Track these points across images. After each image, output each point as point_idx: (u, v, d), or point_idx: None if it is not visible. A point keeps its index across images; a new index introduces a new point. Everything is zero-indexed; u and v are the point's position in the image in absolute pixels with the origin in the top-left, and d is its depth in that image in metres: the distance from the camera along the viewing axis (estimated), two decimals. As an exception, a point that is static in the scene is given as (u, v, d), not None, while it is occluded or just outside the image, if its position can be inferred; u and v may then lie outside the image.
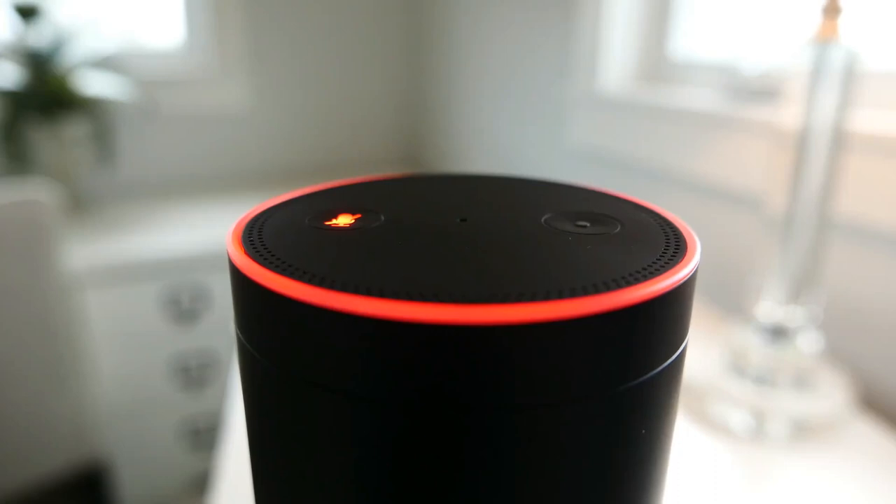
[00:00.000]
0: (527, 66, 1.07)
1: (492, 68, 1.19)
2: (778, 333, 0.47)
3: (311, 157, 1.53)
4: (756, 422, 0.45)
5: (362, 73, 1.52)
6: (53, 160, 1.17)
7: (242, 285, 0.16)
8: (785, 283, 0.47)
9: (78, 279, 0.98)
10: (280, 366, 0.16)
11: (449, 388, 0.14)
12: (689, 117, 0.71)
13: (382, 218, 0.19)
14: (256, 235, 0.18)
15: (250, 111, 1.43)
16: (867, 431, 0.45)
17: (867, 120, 0.53)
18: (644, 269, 0.16)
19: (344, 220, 0.19)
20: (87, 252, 1.02)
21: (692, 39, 0.81)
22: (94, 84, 1.15)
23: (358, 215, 0.20)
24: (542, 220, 0.19)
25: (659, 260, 0.16)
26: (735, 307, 0.68)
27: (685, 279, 0.16)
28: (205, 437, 1.16)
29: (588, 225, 0.19)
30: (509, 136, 1.16)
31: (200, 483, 1.17)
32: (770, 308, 0.48)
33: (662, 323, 0.15)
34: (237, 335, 0.17)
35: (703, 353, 0.52)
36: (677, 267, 0.16)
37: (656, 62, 0.86)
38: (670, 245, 0.18)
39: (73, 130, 1.17)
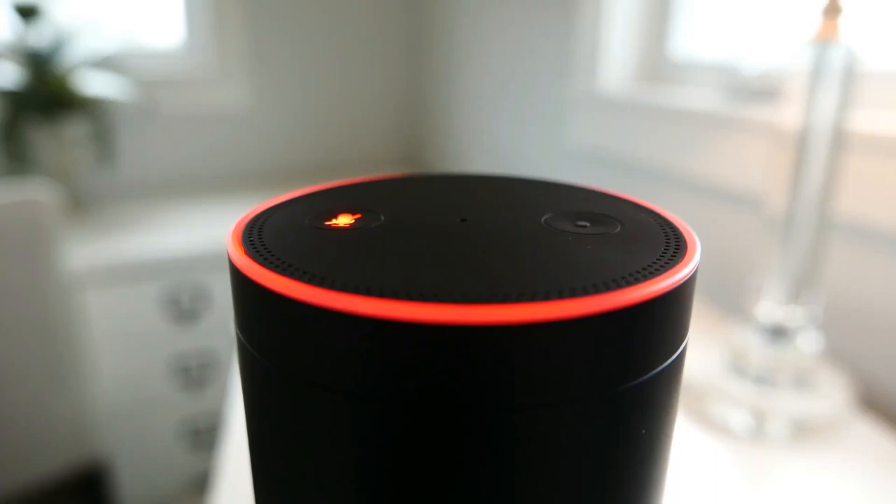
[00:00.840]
0: (527, 66, 1.07)
1: (492, 68, 1.19)
2: (778, 333, 0.47)
3: (311, 157, 1.53)
4: (756, 422, 0.45)
5: (362, 73, 1.52)
6: (53, 160, 1.17)
7: (242, 285, 0.16)
8: (785, 283, 0.47)
9: (78, 279, 0.98)
10: (280, 366, 0.16)
11: (449, 388, 0.14)
12: (689, 117, 0.71)
13: (382, 218, 0.19)
14: (256, 235, 0.18)
15: (250, 111, 1.43)
16: (867, 431, 0.45)
17: (867, 120, 0.53)
18: (644, 269, 0.16)
19: (344, 220, 0.19)
20: (87, 252, 1.02)
21: (692, 39, 0.81)
22: (94, 84, 1.15)
23: (358, 215, 0.20)
24: (542, 220, 0.19)
25: (659, 260, 0.16)
26: (735, 307, 0.68)
27: (685, 279, 0.16)
28: (205, 437, 1.16)
29: (588, 225, 0.19)
30: (509, 136, 1.16)
31: (200, 483, 1.17)
32: (770, 308, 0.48)
33: (662, 323, 0.15)
34: (237, 335, 0.17)
35: (703, 353, 0.52)
36: (677, 267, 0.16)
37: (656, 62, 0.86)
38: (670, 245, 0.18)
39: (73, 130, 1.17)
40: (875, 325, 0.54)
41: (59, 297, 0.92)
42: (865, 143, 0.52)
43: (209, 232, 1.12)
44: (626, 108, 0.82)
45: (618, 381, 0.15)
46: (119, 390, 1.07)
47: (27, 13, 1.11)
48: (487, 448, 0.14)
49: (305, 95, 1.48)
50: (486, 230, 0.18)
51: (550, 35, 0.99)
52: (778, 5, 0.71)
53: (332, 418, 0.15)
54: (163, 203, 1.30)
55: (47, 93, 1.12)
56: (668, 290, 0.15)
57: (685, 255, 0.17)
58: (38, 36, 1.13)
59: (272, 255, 0.16)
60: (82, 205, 1.26)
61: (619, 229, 0.19)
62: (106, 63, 1.25)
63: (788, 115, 0.45)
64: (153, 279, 1.04)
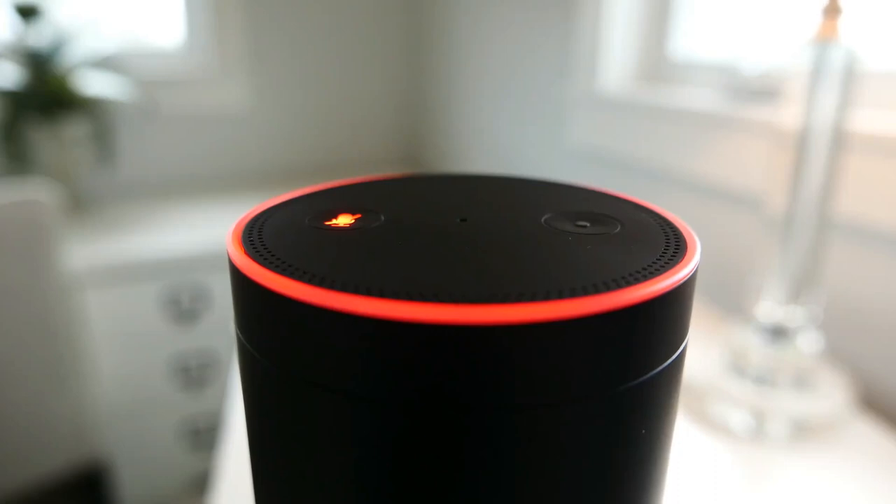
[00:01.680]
0: (527, 66, 1.07)
1: (492, 68, 1.19)
2: (778, 333, 0.47)
3: (311, 157, 1.53)
4: (756, 422, 0.45)
5: (362, 73, 1.52)
6: (53, 160, 1.17)
7: (242, 285, 0.16)
8: (785, 283, 0.47)
9: (78, 279, 0.98)
10: (280, 366, 0.16)
11: (449, 388, 0.14)
12: (689, 117, 0.71)
13: (382, 218, 0.19)
14: (256, 235, 0.18)
15: (250, 111, 1.43)
16: (867, 431, 0.45)
17: (867, 120, 0.53)
18: (644, 269, 0.16)
19: (344, 220, 0.19)
20: (87, 252, 1.02)
21: (692, 39, 0.81)
22: (94, 84, 1.14)
23: (358, 215, 0.20)
24: (542, 220, 0.19)
25: (659, 260, 0.16)
26: (735, 307, 0.68)
27: (685, 279, 0.16)
28: (205, 437, 1.16)
29: (588, 225, 0.19)
30: (509, 136, 1.16)
31: (200, 483, 1.17)
32: (770, 308, 0.48)
33: (662, 323, 0.15)
34: (237, 335, 0.17)
35: (703, 353, 0.52)
36: (677, 267, 0.16)
37: (656, 62, 0.86)
38: (670, 245, 0.18)
39: (73, 130, 1.17)
40: (875, 325, 0.54)
41: (59, 297, 0.92)
42: (865, 143, 0.52)
43: (209, 232, 1.12)
44: (626, 108, 0.82)
45: (618, 381, 0.15)
46: (119, 390, 1.07)
47: (27, 13, 1.11)
48: (487, 448, 0.14)
49: (305, 95, 1.48)
50: (486, 230, 0.18)
51: (550, 35, 0.99)
52: (778, 5, 0.71)
53: (332, 418, 0.15)
54: (163, 203, 1.30)
55: (47, 93, 1.12)
56: (668, 290, 0.15)
57: (685, 255, 0.17)
58: (38, 36, 1.13)
59: (272, 255, 0.16)
60: (82, 205, 1.26)
61: (619, 229, 0.19)
62: (106, 63, 1.25)
63: (788, 115, 0.45)
64: (153, 279, 1.04)
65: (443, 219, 0.19)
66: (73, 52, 1.16)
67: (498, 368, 0.14)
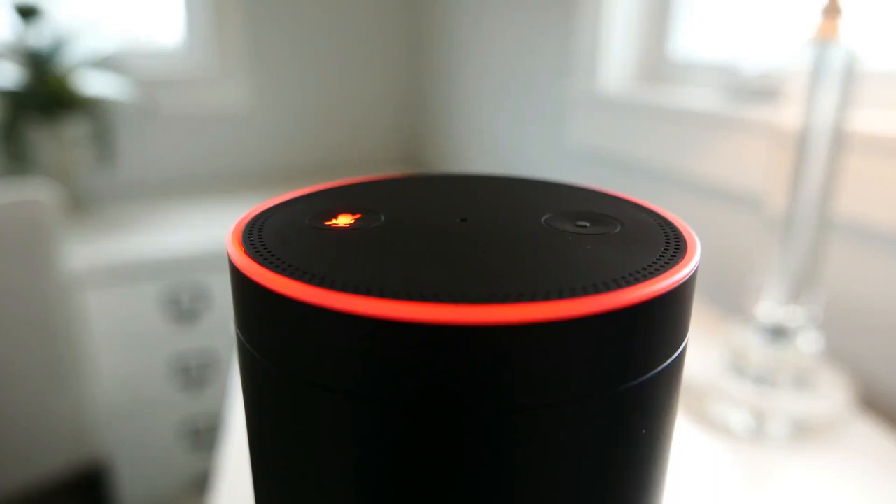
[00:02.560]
0: (527, 66, 1.07)
1: (492, 68, 1.19)
2: (778, 333, 0.47)
3: (311, 157, 1.53)
4: (756, 422, 0.45)
5: (362, 73, 1.52)
6: (53, 160, 1.17)
7: (242, 285, 0.16)
8: (785, 283, 0.47)
9: (78, 279, 0.98)
10: (280, 366, 0.16)
11: (449, 388, 0.14)
12: (689, 117, 0.71)
13: (382, 218, 0.19)
14: (256, 235, 0.18)
15: (250, 111, 1.43)
16: (867, 431, 0.45)
17: (867, 120, 0.53)
18: (644, 269, 0.16)
19: (344, 220, 0.19)
20: (87, 252, 1.02)
21: (692, 39, 0.81)
22: (94, 84, 1.14)
23: (358, 215, 0.20)
24: (542, 220, 0.19)
25: (659, 260, 0.16)
26: (735, 307, 0.68)
27: (685, 279, 0.16)
28: (205, 437, 1.16)
29: (588, 225, 0.19)
30: (509, 136, 1.16)
31: (200, 483, 1.17)
32: (770, 308, 0.48)
33: (662, 323, 0.15)
34: (237, 335, 0.17)
35: (703, 353, 0.52)
36: (677, 267, 0.16)
37: (656, 62, 0.86)
38: (670, 245, 0.18)
39: (73, 130, 1.17)
40: (875, 325, 0.54)
41: (59, 297, 0.92)
42: (865, 143, 0.52)
43: (209, 232, 1.12)
44: (626, 108, 0.82)
45: (618, 381, 0.15)
46: (119, 390, 1.07)
47: (27, 13, 1.11)
48: (487, 448, 0.14)
49: (305, 95, 1.48)
50: (486, 230, 0.18)
51: (550, 35, 0.99)
52: (778, 5, 0.71)
53: (332, 418, 0.15)
54: (163, 203, 1.30)
55: (47, 93, 1.12)
56: (668, 290, 0.15)
57: (685, 255, 0.17)
58: (38, 36, 1.13)
59: (272, 255, 0.16)
60: (82, 205, 1.26)
61: (619, 229, 0.19)
62: (106, 63, 1.25)
63: (788, 115, 0.45)
64: (153, 279, 1.04)
65: (443, 219, 0.19)
66: (73, 52, 1.16)
67: (498, 368, 0.14)
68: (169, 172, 1.40)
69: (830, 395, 0.47)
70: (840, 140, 0.44)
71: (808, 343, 0.47)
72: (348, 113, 1.54)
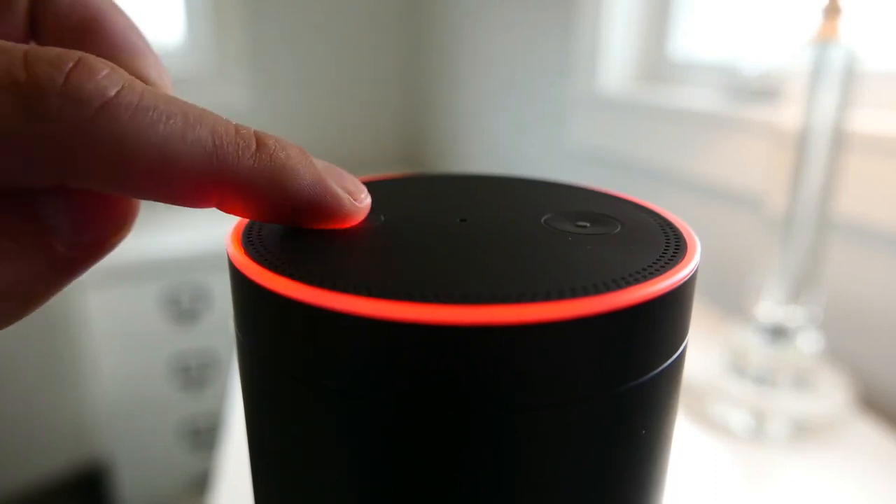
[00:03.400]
0: (527, 66, 1.07)
1: (492, 68, 1.19)
2: (778, 333, 0.47)
3: (311, 157, 1.53)
4: (756, 422, 0.45)
5: (362, 73, 1.52)
6: (53, 160, 1.17)
7: (242, 285, 0.16)
8: (785, 283, 0.47)
9: (78, 279, 0.98)
10: (280, 366, 0.16)
11: (449, 389, 0.14)
12: (689, 117, 0.71)
13: (382, 218, 0.19)
14: (256, 235, 0.18)
15: (250, 111, 1.43)
16: (867, 431, 0.45)
17: (867, 120, 0.53)
18: (644, 269, 0.16)
19: (344, 220, 0.19)
20: (87, 252, 1.02)
21: (692, 39, 0.81)
22: (94, 84, 1.14)
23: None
24: (542, 220, 0.19)
25: (659, 260, 0.16)
26: (735, 307, 0.68)
27: (685, 279, 0.16)
28: (205, 437, 1.16)
29: (588, 225, 0.19)
30: (509, 136, 1.16)
31: (200, 483, 1.17)
32: (770, 308, 0.48)
33: (662, 323, 0.15)
34: (237, 335, 0.17)
35: (703, 353, 0.52)
36: (677, 267, 0.16)
37: (656, 62, 0.86)
38: (670, 245, 0.18)
39: (73, 130, 1.17)
40: (875, 325, 0.54)
41: (60, 297, 0.92)
42: (865, 143, 0.52)
43: (209, 232, 1.12)
44: (626, 108, 0.82)
45: (618, 381, 0.15)
46: (119, 390, 1.07)
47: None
48: (487, 449, 0.14)
49: (305, 95, 1.48)
50: (486, 230, 0.18)
51: (550, 35, 0.99)
52: (778, 5, 0.71)
53: (332, 419, 0.15)
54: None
55: (47, 93, 1.12)
56: (668, 290, 0.15)
57: (685, 255, 0.17)
58: (38, 36, 1.13)
59: (272, 255, 0.16)
60: (82, 205, 1.26)
61: (619, 229, 0.19)
62: (106, 63, 1.25)
63: (788, 115, 0.45)
64: (153, 279, 1.04)
65: (443, 219, 0.19)
66: (73, 52, 1.16)
67: (497, 369, 0.14)
68: (169, 172, 1.39)
69: (830, 395, 0.47)
70: (840, 140, 0.44)
71: (808, 343, 0.47)
72: (348, 113, 1.54)
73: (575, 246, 0.17)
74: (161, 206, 1.01)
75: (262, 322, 0.16)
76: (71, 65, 0.12)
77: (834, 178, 0.45)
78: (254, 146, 0.15)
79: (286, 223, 0.17)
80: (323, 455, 0.16)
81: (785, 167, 0.45)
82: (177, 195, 0.14)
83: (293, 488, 0.17)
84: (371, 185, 0.24)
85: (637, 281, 0.15)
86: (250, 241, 0.18)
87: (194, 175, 0.14)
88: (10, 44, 0.11)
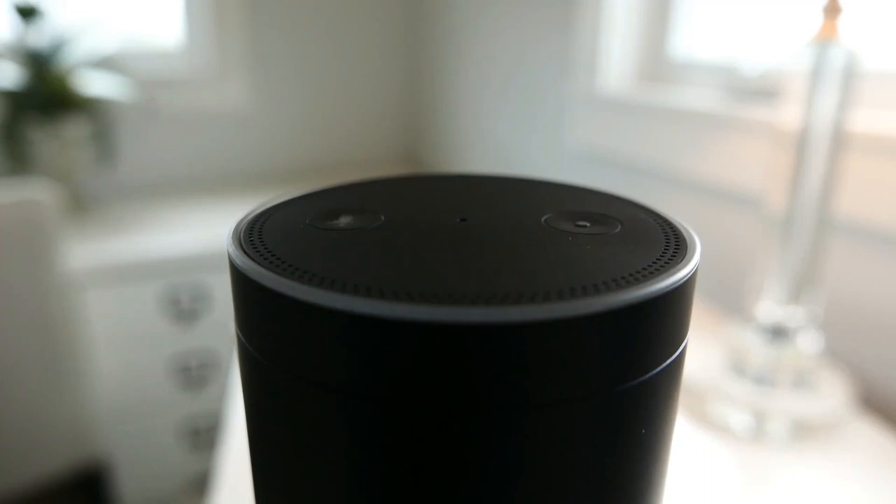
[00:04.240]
0: (527, 66, 1.07)
1: (492, 68, 1.19)
2: (778, 333, 0.47)
3: (311, 157, 1.53)
4: (756, 422, 0.45)
5: (362, 73, 1.52)
6: (53, 160, 1.17)
7: (242, 285, 0.16)
8: (785, 283, 0.47)
9: (78, 279, 0.98)
10: (280, 366, 0.16)
11: (448, 388, 0.14)
12: (689, 117, 0.71)
13: (382, 218, 0.19)
14: (256, 235, 0.18)
15: (250, 111, 1.43)
16: (867, 431, 0.45)
17: (867, 120, 0.53)
18: (644, 269, 0.16)
19: (344, 220, 0.19)
20: (87, 252, 1.02)
21: (692, 39, 0.81)
22: (94, 84, 1.14)
23: (358, 215, 0.20)
24: (542, 220, 0.19)
25: (659, 260, 0.16)
26: (735, 307, 0.68)
27: (685, 279, 0.16)
28: (205, 437, 1.16)
29: (588, 225, 0.19)
30: (509, 136, 1.16)
31: (200, 483, 1.17)
32: (770, 308, 0.48)
33: (662, 323, 0.15)
34: (237, 335, 0.17)
35: (703, 353, 0.52)
36: (677, 267, 0.16)
37: (656, 62, 0.86)
38: (670, 245, 0.18)
39: (73, 130, 1.17)
40: (875, 325, 0.54)
41: (59, 297, 0.92)
42: (865, 143, 0.52)
43: (209, 232, 1.12)
44: (626, 108, 0.82)
45: (618, 380, 0.15)
46: (119, 390, 1.07)
47: (27, 13, 1.11)
48: (486, 448, 0.14)
49: (305, 95, 1.48)
50: (486, 230, 0.18)
51: (550, 35, 0.99)
52: (778, 5, 0.71)
53: (332, 418, 0.15)
54: (163, 203, 1.30)
55: (47, 93, 1.12)
56: (668, 289, 0.15)
57: (685, 255, 0.17)
58: (38, 36, 1.13)
59: (272, 255, 0.16)
60: (82, 205, 1.26)
61: (619, 229, 0.19)
62: (106, 63, 1.25)
63: (788, 115, 0.45)
64: (153, 279, 1.04)
65: (443, 219, 0.19)
66: (73, 52, 1.16)
67: (497, 368, 0.14)
68: (169, 172, 1.40)
69: (830, 395, 0.47)
70: (840, 140, 0.44)
71: (808, 343, 0.47)
72: (348, 113, 1.54)
73: (575, 246, 0.17)
74: (160, 206, 1.00)
75: (262, 321, 0.16)
76: None
77: (834, 178, 0.45)
78: None
79: None
80: (324, 454, 0.16)
81: (785, 167, 0.45)
82: None
83: (294, 487, 0.17)
84: (371, 185, 0.24)
85: (637, 281, 0.15)
86: (250, 240, 0.18)
87: None
88: None
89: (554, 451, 0.15)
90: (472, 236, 0.18)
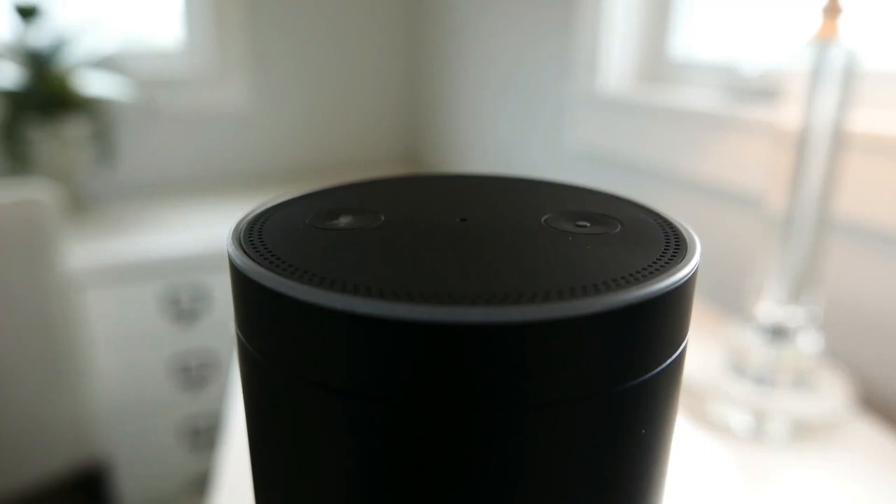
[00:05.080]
0: (527, 66, 1.07)
1: (492, 68, 1.19)
2: (778, 333, 0.47)
3: (311, 157, 1.53)
4: (756, 422, 0.45)
5: (362, 73, 1.52)
6: (53, 160, 1.17)
7: (242, 285, 0.16)
8: (785, 283, 0.47)
9: (78, 279, 0.98)
10: (280, 366, 0.16)
11: (448, 388, 0.14)
12: (689, 117, 0.71)
13: (382, 218, 0.19)
14: (256, 235, 0.18)
15: (250, 111, 1.43)
16: (867, 431, 0.45)
17: (867, 120, 0.53)
18: (644, 269, 0.16)
19: (344, 220, 0.19)
20: (87, 252, 1.02)
21: (692, 39, 0.81)
22: (94, 84, 1.14)
23: (358, 215, 0.20)
24: (542, 220, 0.19)
25: (659, 260, 0.16)
26: (735, 307, 0.68)
27: (685, 279, 0.16)
28: (205, 437, 1.16)
29: (588, 225, 0.19)
30: (509, 136, 1.16)
31: (200, 483, 1.17)
32: (770, 308, 0.48)
33: (662, 323, 0.15)
34: (237, 335, 0.17)
35: (703, 353, 0.52)
36: (677, 267, 0.16)
37: (656, 62, 0.86)
38: (670, 245, 0.18)
39: (73, 130, 1.17)
40: (875, 325, 0.54)
41: (59, 297, 0.92)
42: (865, 143, 0.52)
43: (209, 232, 1.12)
44: (626, 108, 0.82)
45: (618, 380, 0.15)
46: (119, 390, 1.07)
47: (27, 13, 1.11)
48: (487, 448, 0.14)
49: (305, 95, 1.48)
50: (486, 230, 0.18)
51: (550, 35, 0.99)
52: (778, 5, 0.71)
53: (332, 418, 0.15)
54: (163, 203, 1.30)
55: (47, 93, 1.12)
56: (668, 289, 0.15)
57: (685, 255, 0.17)
58: (38, 36, 1.13)
59: (272, 255, 0.16)
60: (82, 205, 1.26)
61: (619, 229, 0.19)
62: (106, 63, 1.25)
63: (788, 115, 0.45)
64: (153, 279, 1.04)
65: (443, 219, 0.19)
66: (73, 52, 1.16)
67: (498, 368, 0.14)
68: (169, 172, 1.40)
69: (830, 395, 0.47)
70: (840, 140, 0.44)
71: (808, 343, 0.47)
72: (348, 113, 1.54)
73: (575, 246, 0.17)
74: (160, 206, 1.00)
75: (262, 322, 0.16)
76: None
77: (834, 178, 0.45)
78: None
79: None
80: (323, 454, 0.16)
81: (785, 167, 0.45)
82: None
83: (294, 487, 0.17)
84: (371, 185, 0.24)
85: (637, 281, 0.15)
86: (250, 240, 0.18)
87: None
88: None
89: (554, 451, 0.15)
90: (472, 236, 0.18)
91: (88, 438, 1.02)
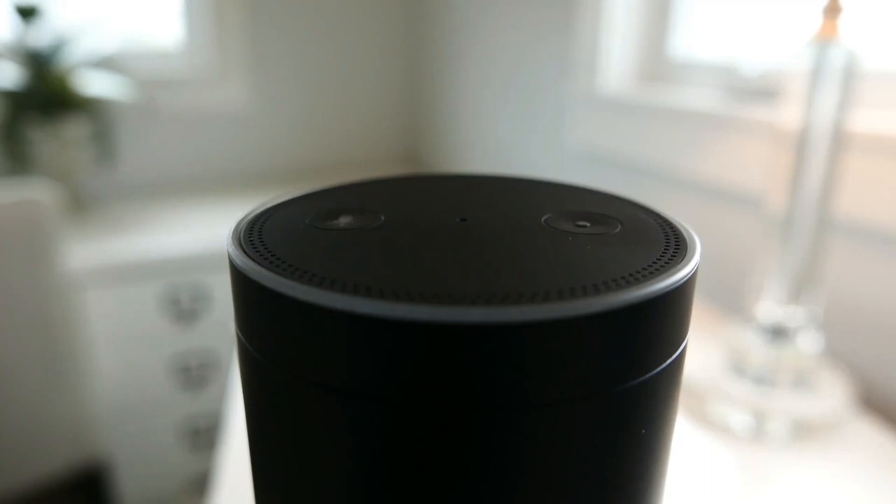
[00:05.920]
0: (527, 66, 1.07)
1: (492, 68, 1.19)
2: (778, 333, 0.47)
3: (311, 157, 1.53)
4: (756, 422, 0.45)
5: (362, 73, 1.52)
6: (53, 160, 1.17)
7: (242, 285, 0.16)
8: (785, 283, 0.47)
9: (78, 279, 0.98)
10: (280, 366, 0.16)
11: (448, 388, 0.14)
12: (689, 117, 0.71)
13: (382, 218, 0.19)
14: (256, 235, 0.18)
15: (250, 111, 1.43)
16: (867, 431, 0.45)
17: (867, 120, 0.53)
18: (644, 269, 0.16)
19: (344, 220, 0.19)
20: (87, 252, 1.02)
21: (692, 39, 0.81)
22: (94, 84, 1.14)
23: (358, 215, 0.20)
24: (543, 220, 0.19)
25: (659, 260, 0.16)
26: (735, 307, 0.68)
27: (685, 279, 0.16)
28: (205, 437, 1.16)
29: (588, 225, 0.19)
30: (509, 136, 1.16)
31: (200, 483, 1.17)
32: (770, 308, 0.48)
33: (662, 323, 0.15)
34: (237, 335, 0.17)
35: (703, 353, 0.52)
36: (677, 267, 0.16)
37: (656, 62, 0.86)
38: (670, 245, 0.18)
39: (73, 130, 1.17)
40: (875, 325, 0.54)
41: (59, 297, 0.92)
42: (865, 143, 0.52)
43: (209, 232, 1.12)
44: (626, 108, 0.82)
45: (617, 380, 0.15)
46: (119, 390, 1.07)
47: (27, 13, 1.11)
48: (487, 448, 0.14)
49: (305, 95, 1.48)
50: (486, 230, 0.18)
51: (550, 35, 0.99)
52: (778, 5, 0.71)
53: (332, 418, 0.15)
54: (163, 203, 1.30)
55: (47, 93, 1.12)
56: (668, 289, 0.15)
57: (685, 255, 0.17)
58: (38, 36, 1.13)
59: (272, 255, 0.16)
60: (82, 205, 1.26)
61: (619, 229, 0.19)
62: (106, 63, 1.25)
63: (788, 115, 0.45)
64: (153, 279, 1.04)
65: (443, 219, 0.19)
66: (73, 52, 1.16)
67: (498, 368, 0.14)
68: (169, 172, 1.40)
69: (830, 395, 0.47)
70: (840, 140, 0.44)
71: (808, 343, 0.47)
72: (348, 113, 1.54)
73: (575, 246, 0.17)
74: (160, 206, 1.00)
75: (262, 322, 0.16)
76: None
77: (834, 178, 0.45)
78: None
79: None
80: (323, 454, 0.16)
81: (785, 167, 0.45)
82: None
83: (294, 487, 0.17)
84: (371, 185, 0.24)
85: (637, 281, 0.15)
86: (250, 240, 0.18)
87: None
88: None
89: (554, 451, 0.15)
90: (472, 236, 0.18)
91: (88, 438, 1.02)
